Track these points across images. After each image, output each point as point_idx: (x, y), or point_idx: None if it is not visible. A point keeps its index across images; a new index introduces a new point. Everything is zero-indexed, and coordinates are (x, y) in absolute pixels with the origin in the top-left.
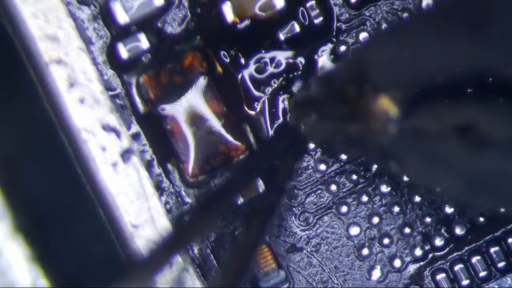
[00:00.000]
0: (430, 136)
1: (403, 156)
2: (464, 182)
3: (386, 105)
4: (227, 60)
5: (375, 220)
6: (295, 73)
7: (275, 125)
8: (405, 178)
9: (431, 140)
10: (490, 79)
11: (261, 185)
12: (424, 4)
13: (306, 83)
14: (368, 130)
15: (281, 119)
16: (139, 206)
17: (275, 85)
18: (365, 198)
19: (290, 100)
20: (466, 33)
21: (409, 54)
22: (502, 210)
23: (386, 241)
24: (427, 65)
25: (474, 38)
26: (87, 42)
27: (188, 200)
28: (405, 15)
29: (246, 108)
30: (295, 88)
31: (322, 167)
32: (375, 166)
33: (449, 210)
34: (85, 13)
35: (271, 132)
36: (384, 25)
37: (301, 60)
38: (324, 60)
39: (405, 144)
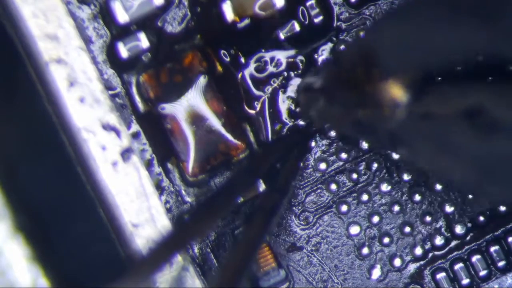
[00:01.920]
0: (439, 120)
1: (412, 141)
2: (474, 166)
3: (395, 89)
4: (227, 59)
5: (375, 219)
6: (295, 72)
7: (277, 125)
8: (417, 164)
9: (440, 124)
10: (510, 67)
11: (261, 185)
12: None
13: (315, 69)
14: (377, 115)
15: (282, 119)
16: (139, 205)
17: (275, 84)
18: (365, 197)
19: (299, 85)
20: (475, 17)
21: (418, 38)
22: (503, 208)
23: (386, 240)
24: (435, 49)
25: (483, 23)
26: (87, 41)
27: (188, 199)
28: None
29: (246, 107)
30: (295, 84)
31: (322, 166)
32: (375, 165)
33: (449, 209)
34: (85, 12)
35: (271, 132)
36: (393, 9)
37: (301, 59)
38: (324, 59)
39: (414, 129)
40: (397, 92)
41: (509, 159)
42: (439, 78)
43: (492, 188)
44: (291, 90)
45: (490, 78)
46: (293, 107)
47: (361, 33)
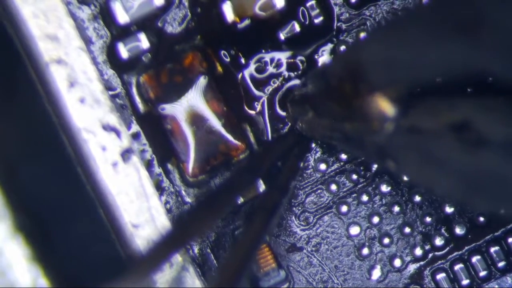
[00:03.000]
0: (426, 134)
1: (399, 155)
2: (461, 181)
3: (382, 103)
4: (227, 60)
5: (375, 219)
6: (295, 73)
7: (278, 125)
8: (404, 177)
9: (427, 138)
10: (490, 79)
11: (261, 185)
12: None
13: (303, 81)
14: (365, 128)
15: (282, 119)
16: (139, 206)
17: (275, 85)
18: (365, 198)
19: (287, 97)
20: (462, 32)
21: (406, 52)
22: (502, 211)
23: (386, 240)
24: (423, 63)
25: (470, 38)
26: (87, 41)
27: (188, 199)
28: (401, 13)
29: (246, 108)
30: (294, 86)
31: (322, 166)
32: (375, 166)
33: (449, 209)
34: (85, 12)
35: (271, 132)
36: (380, 23)
37: (301, 59)
38: (324, 60)
39: (401, 142)
40: (384, 105)
41: (495, 173)
42: (426, 92)
43: (478, 202)
44: (282, 98)
45: (470, 90)
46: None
47: (344, 48)
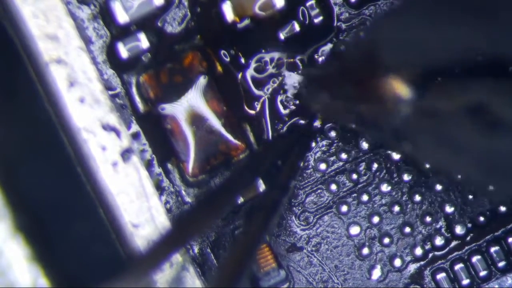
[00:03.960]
0: (442, 116)
1: (415, 137)
2: (477, 163)
3: (398, 85)
4: (227, 59)
5: (375, 219)
6: (295, 73)
7: (278, 125)
8: (420, 159)
9: (443, 120)
10: (510, 68)
11: (261, 185)
12: None
13: (319, 62)
14: (380, 111)
15: (282, 119)
16: (139, 206)
17: (275, 85)
18: (365, 198)
19: (302, 79)
20: (480, 15)
21: (422, 34)
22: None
23: (386, 240)
24: (439, 46)
25: (487, 20)
26: (87, 41)
27: (188, 199)
28: None
29: (246, 108)
30: (295, 79)
31: (322, 166)
32: (375, 165)
33: (449, 209)
34: (85, 12)
35: (271, 132)
36: (397, 5)
37: (301, 59)
38: (328, 53)
39: (417, 125)
40: (400, 88)
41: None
42: (442, 75)
43: (494, 185)
44: (291, 85)
45: (491, 76)
46: (291, 105)
47: (363, 31)
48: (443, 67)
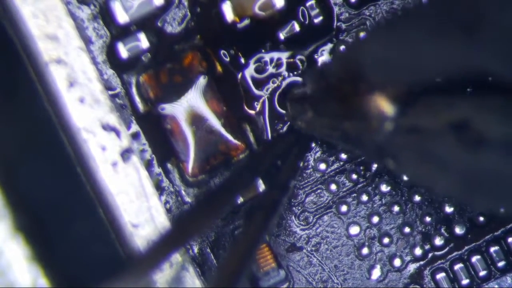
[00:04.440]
0: (426, 133)
1: (399, 154)
2: (460, 180)
3: (382, 102)
4: (227, 59)
5: (375, 219)
6: (295, 73)
7: (277, 125)
8: (404, 177)
9: (427, 137)
10: (490, 78)
11: (261, 185)
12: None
13: (302, 80)
14: (364, 127)
15: (282, 119)
16: (139, 206)
17: (275, 85)
18: (365, 198)
19: (286, 96)
20: (461, 32)
21: (405, 51)
22: (502, 210)
23: (386, 240)
24: (422, 63)
25: (469, 38)
26: (87, 41)
27: (188, 199)
28: (400, 12)
29: (246, 108)
30: (293, 85)
31: (322, 166)
32: (375, 166)
33: (449, 209)
34: (85, 12)
35: (271, 132)
36: (379, 22)
37: (301, 59)
38: (324, 59)
39: (401, 142)
40: (383, 104)
41: (495, 172)
42: (426, 91)
43: (478, 201)
44: (281, 96)
45: (469, 90)
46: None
47: (344, 47)
48: (426, 84)
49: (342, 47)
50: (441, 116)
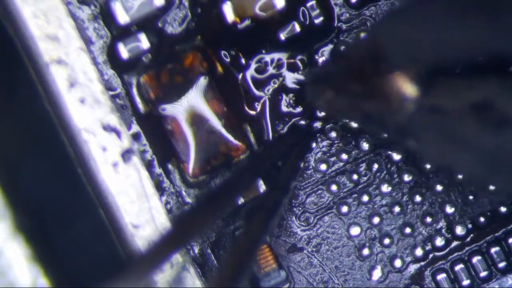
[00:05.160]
0: (448, 114)
1: (421, 134)
2: (483, 160)
3: (403, 83)
4: (228, 60)
5: (376, 220)
6: (295, 73)
7: (278, 125)
8: (425, 157)
9: (449, 118)
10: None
11: (262, 186)
12: None
13: (325, 60)
14: (386, 108)
15: (283, 120)
16: (139, 206)
17: (276, 85)
18: (365, 198)
19: (307, 75)
20: (484, 13)
21: (427, 32)
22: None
23: (386, 241)
24: (444, 43)
25: (491, 19)
26: (88, 42)
27: (188, 200)
28: None
29: (246, 108)
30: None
31: (323, 167)
32: (376, 166)
33: (450, 210)
34: (85, 13)
35: (271, 132)
36: (402, 3)
37: (301, 60)
38: (324, 60)
39: (423, 122)
40: (405, 85)
41: None
42: (448, 72)
43: (499, 182)
44: (292, 83)
45: (498, 72)
46: (292, 103)
47: (367, 29)
48: (448, 65)
49: (343, 47)
50: (463, 96)
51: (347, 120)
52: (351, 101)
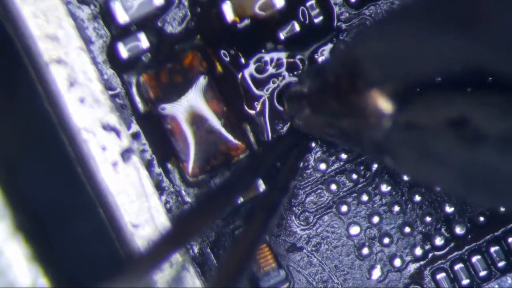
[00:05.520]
0: (424, 130)
1: (397, 151)
2: (459, 176)
3: (379, 99)
4: (227, 59)
5: (375, 219)
6: (295, 73)
7: (278, 125)
8: (403, 175)
9: (425, 134)
10: (490, 79)
11: (261, 185)
12: None
13: (300, 77)
14: (362, 125)
15: (282, 119)
16: (139, 206)
17: (275, 85)
18: (365, 198)
19: (284, 94)
20: (460, 28)
21: (403, 48)
22: (501, 207)
23: (386, 240)
24: (420, 59)
25: (468, 33)
26: (87, 41)
27: (188, 199)
28: (398, 8)
29: (246, 108)
30: (291, 83)
31: (322, 166)
32: (375, 165)
33: (449, 209)
34: (85, 12)
35: (271, 132)
36: (377, 19)
37: (301, 59)
38: (323, 58)
39: (399, 138)
40: (381, 101)
41: (493, 169)
42: (424, 88)
43: (476, 198)
44: (277, 97)
45: (471, 88)
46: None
47: (344, 44)
48: (424, 80)
49: (340, 45)
50: (439, 112)
51: (324, 137)
52: (328, 118)
